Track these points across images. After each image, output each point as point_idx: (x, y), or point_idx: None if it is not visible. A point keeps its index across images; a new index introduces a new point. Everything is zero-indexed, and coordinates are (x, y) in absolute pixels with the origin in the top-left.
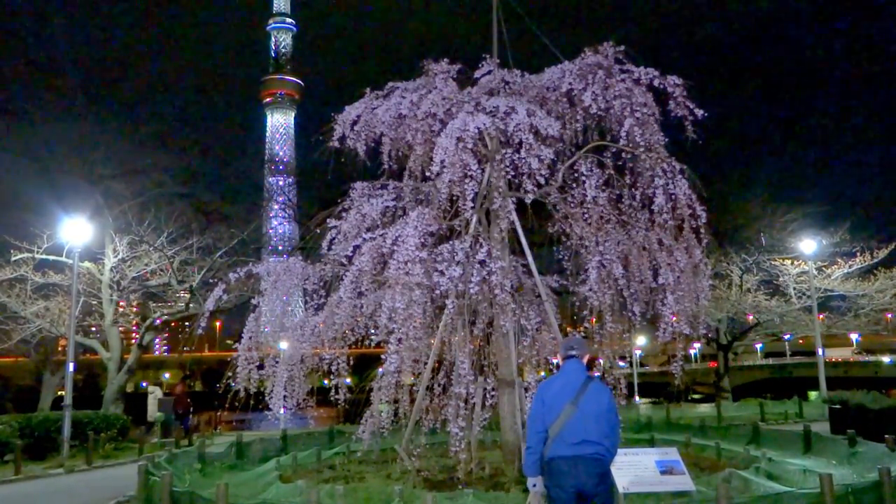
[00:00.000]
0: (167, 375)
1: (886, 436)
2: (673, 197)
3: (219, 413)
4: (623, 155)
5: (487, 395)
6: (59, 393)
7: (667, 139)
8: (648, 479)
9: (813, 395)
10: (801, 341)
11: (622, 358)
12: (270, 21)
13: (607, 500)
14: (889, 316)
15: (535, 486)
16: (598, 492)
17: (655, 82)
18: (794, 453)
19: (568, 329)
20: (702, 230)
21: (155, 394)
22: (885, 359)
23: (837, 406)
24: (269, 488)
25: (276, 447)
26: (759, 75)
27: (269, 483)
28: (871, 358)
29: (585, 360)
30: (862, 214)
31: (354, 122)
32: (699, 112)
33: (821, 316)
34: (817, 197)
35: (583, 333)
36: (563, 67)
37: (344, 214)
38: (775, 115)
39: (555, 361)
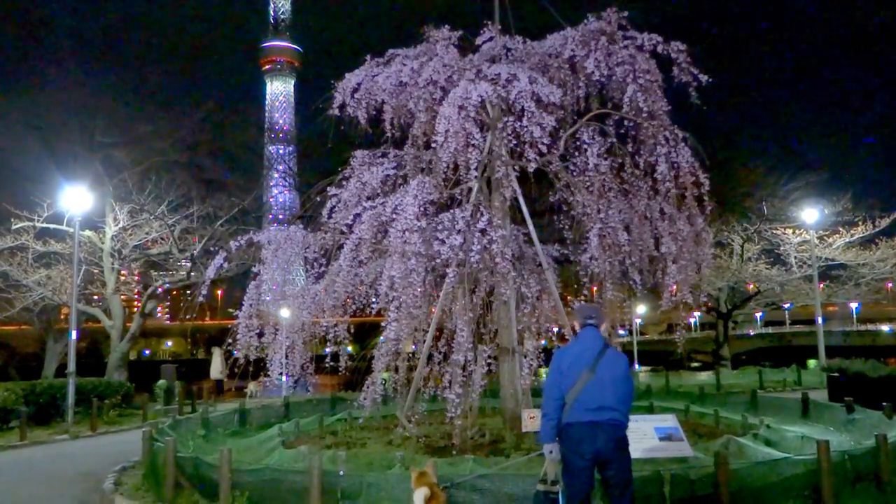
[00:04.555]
0: (170, 343)
1: (884, 403)
2: (675, 165)
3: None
4: (625, 123)
5: (483, 363)
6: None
7: (670, 107)
8: (648, 446)
9: (812, 363)
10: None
11: (622, 326)
12: None
13: (625, 466)
14: (889, 285)
15: (551, 452)
16: (615, 457)
17: (659, 48)
18: (792, 420)
19: (568, 298)
20: (704, 199)
21: (217, 353)
22: (885, 327)
23: (836, 374)
24: (273, 454)
25: (278, 414)
26: (765, 39)
27: (272, 449)
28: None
29: (602, 328)
30: (864, 183)
31: (355, 90)
32: (703, 77)
33: (821, 285)
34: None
35: (583, 302)
36: (566, 34)
37: (344, 183)
38: (779, 81)
39: (555, 329)
